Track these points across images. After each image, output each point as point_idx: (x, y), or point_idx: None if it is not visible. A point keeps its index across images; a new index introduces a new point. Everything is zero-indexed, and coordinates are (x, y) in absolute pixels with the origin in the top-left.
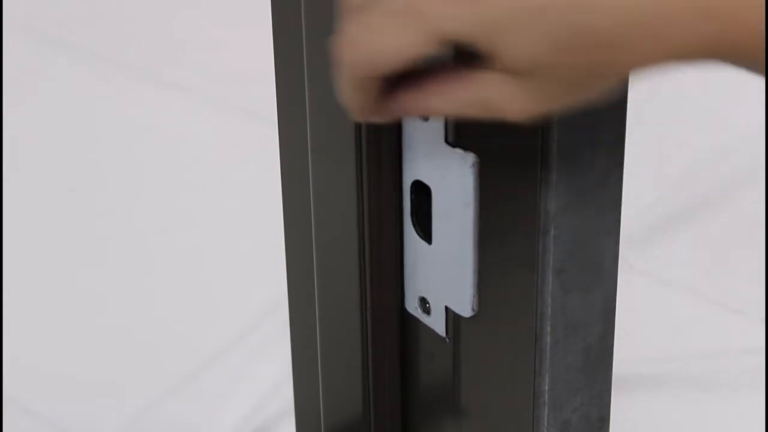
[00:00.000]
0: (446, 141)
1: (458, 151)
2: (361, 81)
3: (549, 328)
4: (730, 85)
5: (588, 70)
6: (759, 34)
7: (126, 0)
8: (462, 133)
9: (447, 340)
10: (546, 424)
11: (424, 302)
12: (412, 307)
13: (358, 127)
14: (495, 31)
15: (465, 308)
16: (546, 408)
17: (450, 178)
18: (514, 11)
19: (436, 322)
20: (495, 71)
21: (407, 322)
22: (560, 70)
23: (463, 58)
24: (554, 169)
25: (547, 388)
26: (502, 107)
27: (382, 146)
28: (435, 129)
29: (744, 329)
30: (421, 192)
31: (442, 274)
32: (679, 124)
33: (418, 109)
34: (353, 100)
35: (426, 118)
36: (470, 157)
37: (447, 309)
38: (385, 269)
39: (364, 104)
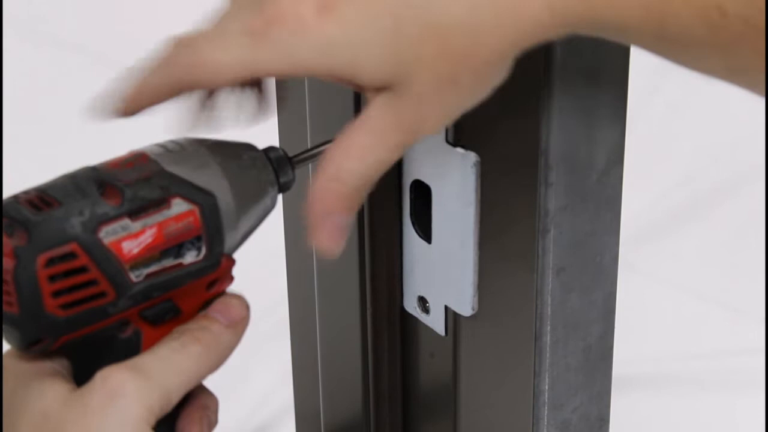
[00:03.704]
0: (446, 140)
1: (459, 150)
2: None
3: (549, 328)
4: (730, 84)
5: (451, 62)
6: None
7: (127, 1)
8: (462, 133)
9: (446, 339)
10: (546, 423)
11: (423, 302)
12: (411, 306)
13: None
14: (343, 56)
15: (465, 307)
16: (546, 408)
17: (451, 178)
18: (357, 28)
19: (436, 322)
20: (382, 95)
21: (407, 321)
22: (425, 70)
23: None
24: (554, 169)
25: (546, 387)
26: (417, 129)
27: None
28: None
29: (744, 329)
30: (421, 191)
31: (441, 273)
32: (679, 124)
33: None
34: None
35: None
36: (472, 157)
37: (446, 308)
38: (384, 269)
39: None
